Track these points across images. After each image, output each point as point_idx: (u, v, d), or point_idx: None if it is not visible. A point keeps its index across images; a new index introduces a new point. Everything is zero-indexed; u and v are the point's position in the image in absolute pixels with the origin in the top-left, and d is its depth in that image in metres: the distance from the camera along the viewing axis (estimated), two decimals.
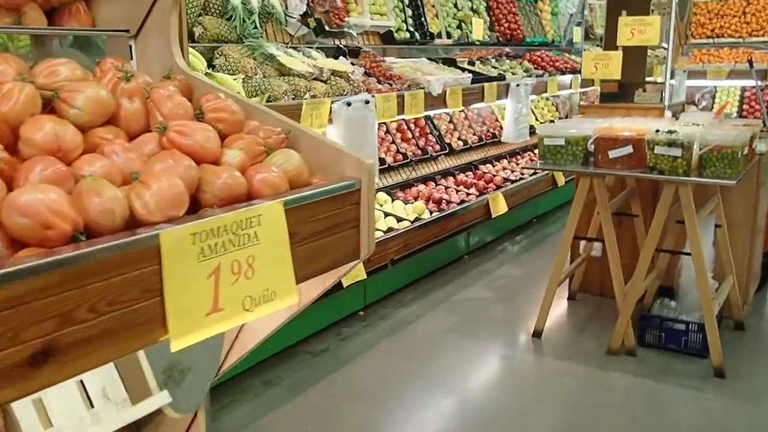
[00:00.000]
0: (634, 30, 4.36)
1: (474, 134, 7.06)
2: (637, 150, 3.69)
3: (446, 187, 5.95)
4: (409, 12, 6.14)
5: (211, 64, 3.93)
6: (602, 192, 3.90)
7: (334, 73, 4.19)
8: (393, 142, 6.04)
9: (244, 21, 4.13)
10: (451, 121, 6.99)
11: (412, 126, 6.41)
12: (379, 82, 4.72)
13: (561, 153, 3.92)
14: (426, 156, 6.22)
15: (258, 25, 4.22)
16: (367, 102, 4.15)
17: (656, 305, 4.30)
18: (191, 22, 4.00)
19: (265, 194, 1.22)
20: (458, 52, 7.14)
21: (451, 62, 6.25)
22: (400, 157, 5.95)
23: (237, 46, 4.03)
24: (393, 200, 5.39)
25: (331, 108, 3.92)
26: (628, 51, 4.55)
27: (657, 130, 3.57)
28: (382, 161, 5.65)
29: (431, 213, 5.21)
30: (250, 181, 1.23)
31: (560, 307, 4.74)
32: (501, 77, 6.17)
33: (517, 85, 6.03)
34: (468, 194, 5.84)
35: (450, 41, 6.62)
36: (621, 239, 4.61)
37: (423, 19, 6.30)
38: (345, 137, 4.01)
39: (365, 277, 4.22)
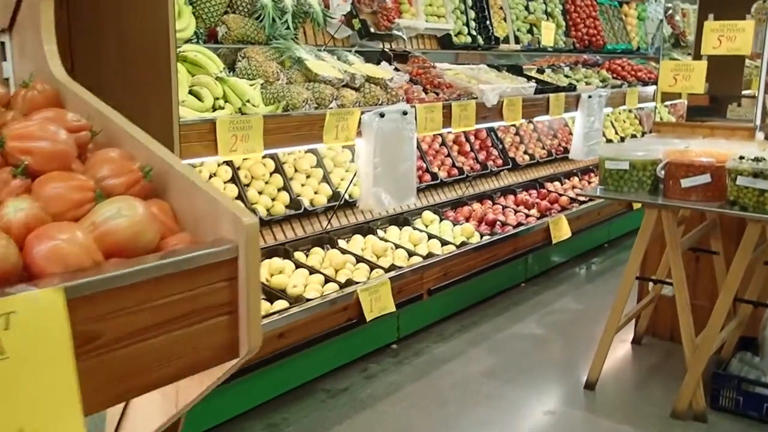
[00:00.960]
0: (721, 37, 3.72)
1: (543, 148, 6.48)
2: (716, 179, 3.07)
3: (504, 207, 5.41)
4: (472, 14, 5.64)
5: (233, 68, 3.59)
6: (672, 226, 3.30)
7: (369, 79, 3.76)
8: (449, 155, 5.57)
9: (274, 21, 3.77)
10: (517, 134, 6.44)
11: (472, 138, 5.91)
12: (425, 90, 4.26)
13: (625, 179, 3.35)
14: (485, 171, 5.71)
15: (291, 26, 3.85)
16: (404, 113, 3.70)
17: (735, 361, 3.63)
18: (214, 20, 3.67)
19: (48, 273, 0.80)
20: (528, 60, 6.57)
21: (516, 70, 5.70)
22: (455, 171, 5.47)
23: (263, 48, 3.67)
24: (441, 220, 4.91)
25: (360, 119, 3.50)
26: (720, 60, 3.91)
27: (741, 157, 2.96)
28: (434, 176, 5.19)
29: (481, 236, 4.70)
30: (28, 253, 0.82)
31: (621, 353, 4.13)
32: (571, 87, 5.57)
33: (589, 97, 5.42)
34: (527, 215, 5.28)
35: (518, 47, 6.07)
36: (698, 278, 3.98)
37: (488, 22, 5.79)
38: (377, 152, 3.58)
39: (393, 309, 3.77)
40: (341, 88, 3.58)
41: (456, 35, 5.44)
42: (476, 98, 4.41)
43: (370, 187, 3.58)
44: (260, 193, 4.13)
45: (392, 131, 3.65)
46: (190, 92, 3.15)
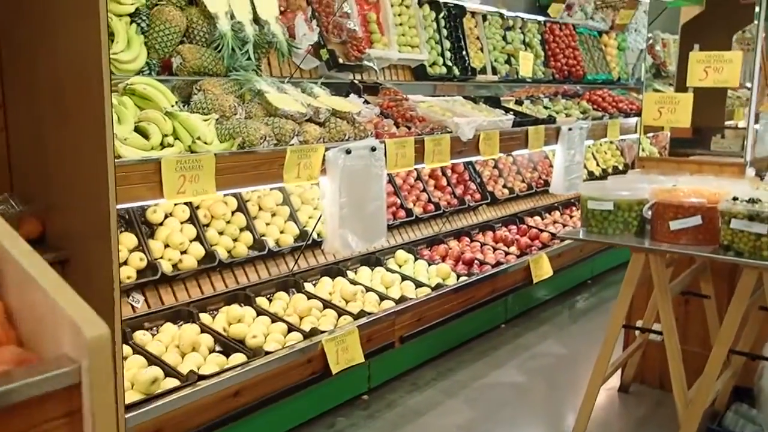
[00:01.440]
0: (708, 68, 3.53)
1: (522, 181, 6.27)
2: (708, 221, 2.84)
3: (482, 244, 5.17)
4: (448, 44, 5.44)
5: (188, 101, 3.33)
6: (661, 271, 3.06)
7: (335, 113, 3.52)
8: (424, 189, 5.33)
9: (233, 51, 3.52)
10: (495, 167, 6.23)
11: (449, 172, 5.69)
12: (396, 124, 4.02)
13: (609, 220, 3.11)
14: (463, 206, 5.47)
15: (252, 57, 3.61)
16: (373, 149, 3.45)
17: (730, 414, 3.38)
18: (168, 51, 3.42)
19: None
20: (507, 91, 6.38)
21: (494, 102, 5.50)
22: (431, 207, 5.23)
23: (220, 81, 3.42)
24: (416, 259, 4.65)
25: (325, 156, 3.24)
26: (702, 91, 3.72)
27: (735, 198, 2.73)
28: (409, 212, 4.94)
29: (458, 277, 4.44)
30: None
31: (607, 402, 3.86)
32: (551, 120, 5.37)
33: (569, 129, 5.23)
34: (507, 253, 5.03)
35: (496, 78, 5.89)
36: (688, 322, 3.75)
37: (464, 52, 5.60)
38: (343, 191, 3.33)
39: (362, 360, 3.48)
40: (304, 123, 3.33)
41: (431, 66, 5.24)
42: (451, 132, 4.18)
43: (335, 228, 3.32)
44: (221, 233, 3.86)
45: (360, 168, 3.40)
46: (137, 129, 2.89)
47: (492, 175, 6.17)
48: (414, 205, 5.20)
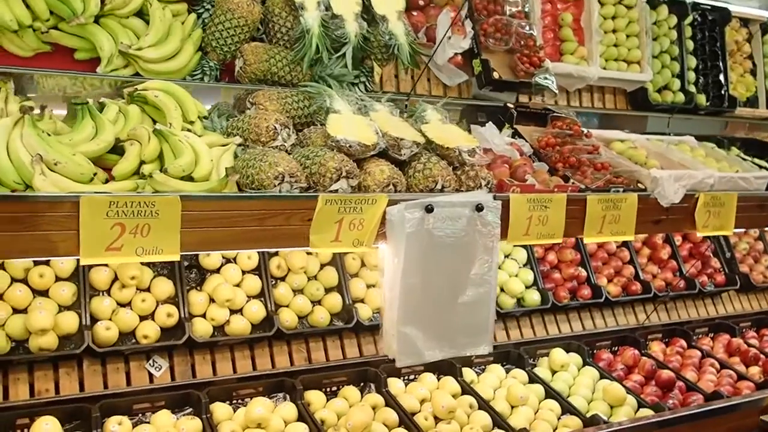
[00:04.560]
0: None
1: None
2: None
3: (705, 355, 3.50)
4: (693, 62, 3.85)
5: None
6: None
7: (433, 147, 2.36)
8: (631, 260, 3.84)
9: (319, 53, 2.57)
10: (761, 238, 4.41)
11: (678, 239, 4.10)
12: (552, 171, 2.70)
13: None
14: (692, 291, 3.88)
15: (351, 63, 2.62)
16: (479, 208, 2.22)
17: None
18: (231, 50, 2.59)
19: None
20: None
21: (756, 146, 3.78)
22: (636, 287, 3.75)
23: (285, 92, 2.49)
24: (585, 364, 3.23)
25: (385, 213, 2.11)
26: None
27: None
28: (596, 291, 3.56)
29: (638, 408, 2.92)
30: None
31: None
32: None
33: None
34: (739, 378, 3.31)
35: None
36: None
37: (722, 74, 3.94)
38: (412, 269, 2.17)
39: None
40: (371, 159, 2.23)
41: (658, 90, 3.72)
42: (644, 190, 2.71)
43: (393, 323, 2.17)
44: (299, 291, 2.94)
45: (450, 235, 2.21)
46: (116, 148, 2.09)
47: (753, 250, 4.36)
48: (610, 281, 3.74)
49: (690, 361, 3.40)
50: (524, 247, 3.57)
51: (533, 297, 3.43)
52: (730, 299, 4.18)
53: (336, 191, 2.11)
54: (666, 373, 3.15)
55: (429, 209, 2.17)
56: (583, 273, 3.66)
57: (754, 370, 3.43)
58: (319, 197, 2.05)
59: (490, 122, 2.84)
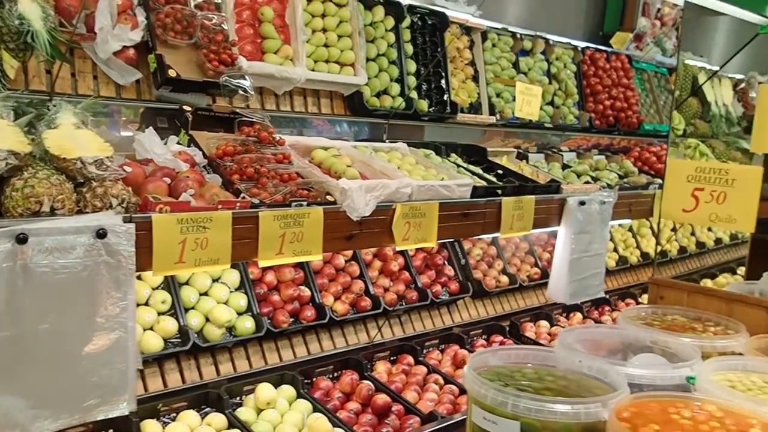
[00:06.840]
0: None
1: (534, 265, 4.43)
2: None
3: (431, 371, 3.34)
4: (412, 66, 3.72)
5: None
6: None
7: (48, 156, 1.88)
8: (361, 275, 3.60)
9: None
10: (493, 243, 4.42)
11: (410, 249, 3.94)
12: (227, 184, 2.33)
13: None
14: (424, 302, 3.73)
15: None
16: (101, 235, 1.77)
17: None
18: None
19: None
20: (518, 139, 4.55)
21: (477, 153, 3.73)
22: (367, 303, 3.51)
23: None
24: (299, 396, 2.90)
25: None
26: None
27: None
28: (319, 310, 3.25)
29: None
30: None
31: None
32: (552, 187, 3.48)
33: (581, 204, 3.35)
34: (459, 393, 3.17)
35: (493, 119, 4.09)
36: None
37: (443, 80, 3.86)
38: (4, 321, 1.66)
39: None
40: None
41: (378, 95, 3.53)
42: (334, 203, 2.43)
43: None
44: None
45: (58, 271, 1.73)
46: None
47: (487, 255, 4.35)
48: (337, 298, 3.46)
49: (414, 380, 3.21)
50: (235, 267, 3.18)
51: (245, 324, 3.04)
52: (466, 307, 4.12)
53: None
54: (382, 398, 2.91)
55: (21, 239, 1.67)
56: (307, 292, 3.35)
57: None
58: None
59: (150, 128, 2.41)
